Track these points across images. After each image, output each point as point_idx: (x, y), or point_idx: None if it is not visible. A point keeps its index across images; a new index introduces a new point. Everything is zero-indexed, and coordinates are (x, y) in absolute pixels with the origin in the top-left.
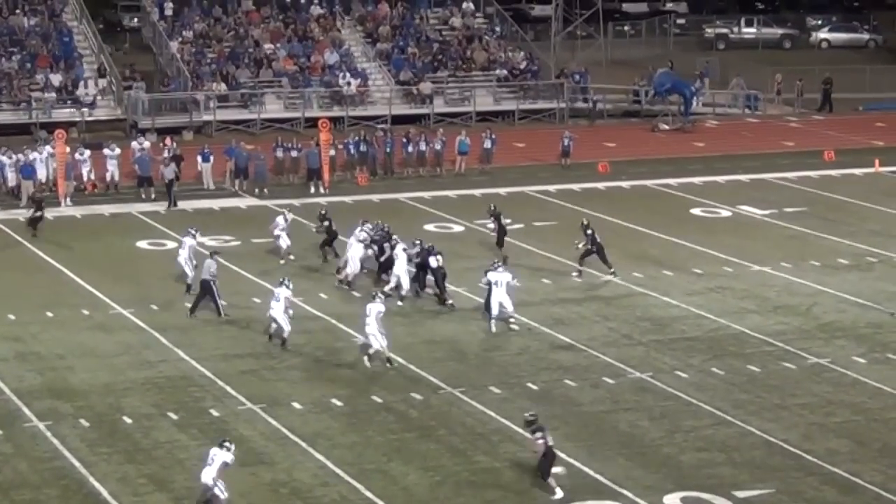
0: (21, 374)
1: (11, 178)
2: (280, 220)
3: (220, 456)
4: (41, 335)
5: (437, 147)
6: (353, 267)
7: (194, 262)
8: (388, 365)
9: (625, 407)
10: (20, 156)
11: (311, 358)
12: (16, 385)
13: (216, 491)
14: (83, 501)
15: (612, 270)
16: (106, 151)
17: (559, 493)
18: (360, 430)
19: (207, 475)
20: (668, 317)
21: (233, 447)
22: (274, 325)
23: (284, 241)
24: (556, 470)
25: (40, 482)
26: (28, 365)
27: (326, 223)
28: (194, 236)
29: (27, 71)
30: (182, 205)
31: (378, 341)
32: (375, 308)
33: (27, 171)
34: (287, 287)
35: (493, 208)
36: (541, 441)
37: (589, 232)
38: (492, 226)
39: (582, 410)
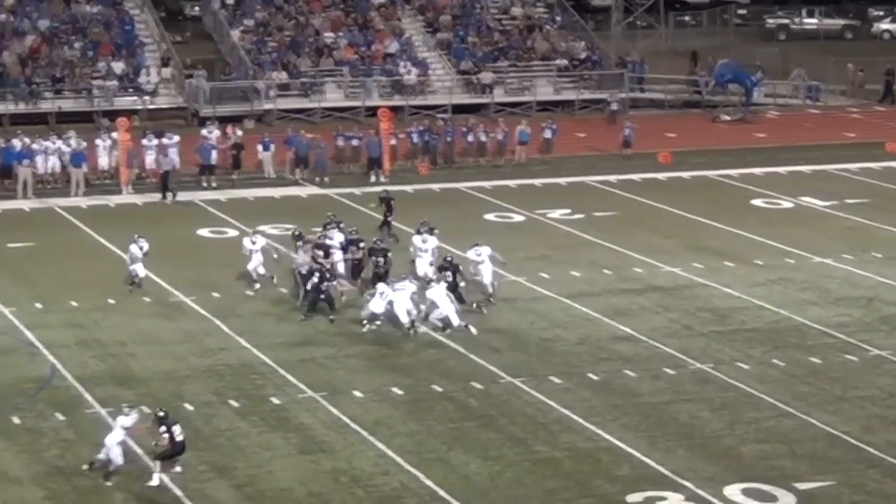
0: (83, 361)
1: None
2: (246, 242)
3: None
4: (103, 322)
5: (499, 137)
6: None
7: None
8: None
9: (685, 398)
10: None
11: (372, 346)
12: (78, 372)
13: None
14: (145, 488)
15: None
16: (164, 140)
17: (155, 481)
18: (421, 419)
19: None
20: (728, 308)
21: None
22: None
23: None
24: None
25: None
26: (90, 352)
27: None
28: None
29: (89, 59)
30: (242, 193)
31: (407, 317)
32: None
33: (78, 158)
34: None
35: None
36: (166, 435)
37: None
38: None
39: (642, 401)
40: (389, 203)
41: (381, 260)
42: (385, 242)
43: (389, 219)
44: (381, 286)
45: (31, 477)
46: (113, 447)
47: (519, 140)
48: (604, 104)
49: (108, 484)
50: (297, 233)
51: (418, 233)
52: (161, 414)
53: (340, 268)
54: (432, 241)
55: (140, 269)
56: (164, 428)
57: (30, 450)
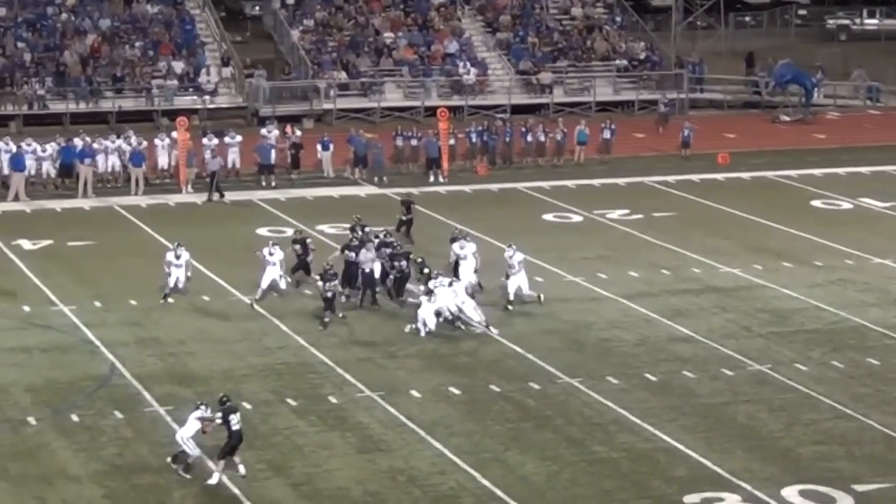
0: (142, 360)
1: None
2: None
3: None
4: (162, 321)
5: (557, 137)
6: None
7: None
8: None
9: (743, 399)
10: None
11: (430, 346)
12: (137, 370)
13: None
14: (203, 487)
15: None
16: (227, 139)
17: (214, 480)
18: (478, 419)
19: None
20: (787, 309)
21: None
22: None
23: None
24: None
25: (160, 466)
26: (149, 350)
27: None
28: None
29: (150, 58)
30: (301, 193)
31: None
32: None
33: (138, 157)
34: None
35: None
36: (218, 422)
37: None
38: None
39: (700, 402)
40: (410, 206)
41: (404, 263)
42: (403, 247)
43: (406, 219)
44: (423, 290)
45: (90, 475)
46: (185, 441)
47: (578, 140)
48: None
49: (188, 476)
50: (357, 228)
51: (454, 240)
52: (222, 400)
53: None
54: (470, 247)
55: (177, 278)
56: (219, 415)
57: (88, 448)
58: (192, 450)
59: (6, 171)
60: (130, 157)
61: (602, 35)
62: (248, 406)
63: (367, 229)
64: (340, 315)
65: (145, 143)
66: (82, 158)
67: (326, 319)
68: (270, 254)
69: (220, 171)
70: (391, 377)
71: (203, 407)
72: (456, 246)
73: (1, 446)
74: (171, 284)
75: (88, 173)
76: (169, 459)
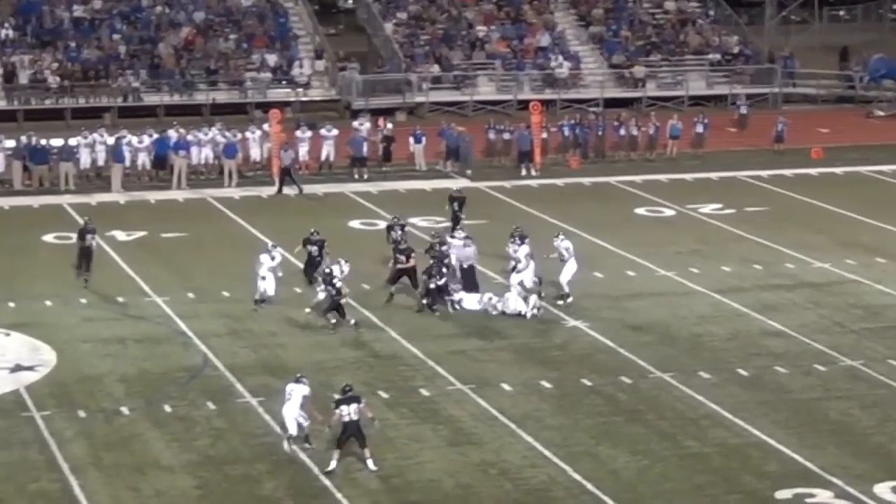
0: (234, 350)
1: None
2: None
3: (297, 390)
4: (254, 312)
5: (650, 131)
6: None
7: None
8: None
9: (836, 395)
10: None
11: (521, 340)
12: (229, 361)
13: (300, 420)
14: (294, 477)
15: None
16: (323, 132)
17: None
18: (569, 413)
19: (289, 410)
20: (880, 305)
21: (307, 380)
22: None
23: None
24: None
25: (252, 457)
26: (241, 341)
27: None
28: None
29: (243, 51)
30: (394, 185)
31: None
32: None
33: (231, 150)
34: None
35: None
36: (337, 411)
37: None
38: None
39: (792, 398)
40: (462, 202)
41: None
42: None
43: (461, 216)
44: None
45: (183, 465)
46: (289, 419)
47: (670, 134)
48: (734, 105)
49: (311, 446)
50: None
51: (512, 241)
52: (345, 388)
53: None
54: (523, 250)
55: (269, 285)
56: (334, 406)
57: (181, 438)
58: (294, 427)
59: (101, 162)
60: (224, 150)
61: (695, 29)
62: (353, 418)
63: (406, 228)
64: (352, 322)
65: (239, 136)
66: (177, 150)
67: (333, 321)
68: (272, 258)
69: (292, 164)
70: (482, 370)
71: (304, 381)
72: (510, 249)
73: (95, 436)
74: (262, 290)
75: (183, 165)
76: (287, 445)
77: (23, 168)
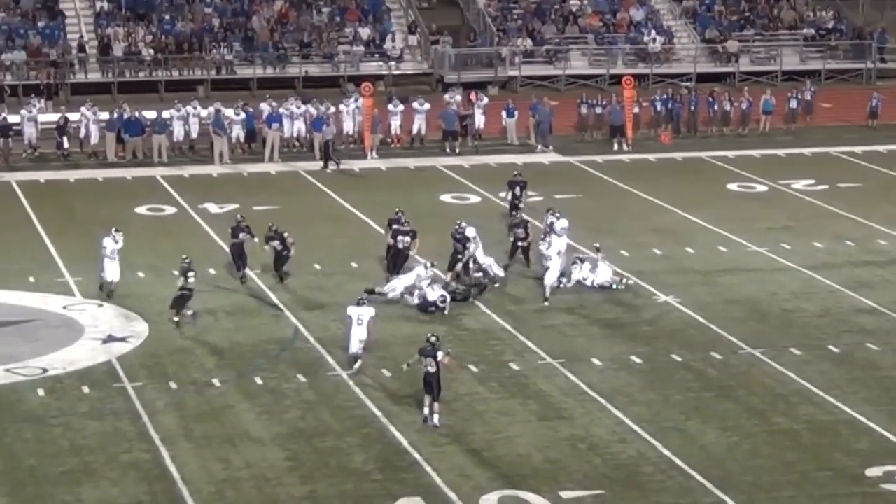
0: (325, 324)
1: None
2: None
3: (366, 313)
4: (345, 285)
5: (743, 106)
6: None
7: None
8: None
9: None
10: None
11: (612, 315)
12: (320, 334)
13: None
14: (383, 450)
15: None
16: (415, 105)
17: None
18: (659, 388)
19: (357, 333)
20: None
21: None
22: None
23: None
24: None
25: (342, 430)
26: (332, 314)
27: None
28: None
29: (336, 24)
30: (485, 159)
31: None
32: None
33: (318, 124)
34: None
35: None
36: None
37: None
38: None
39: (883, 374)
40: (523, 186)
41: (521, 231)
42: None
43: (519, 204)
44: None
45: (273, 437)
46: (356, 341)
47: (763, 110)
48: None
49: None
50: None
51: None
52: (428, 338)
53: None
54: (561, 223)
55: (113, 271)
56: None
57: (271, 410)
58: (357, 347)
59: (194, 135)
60: (313, 123)
61: (789, 4)
62: (430, 370)
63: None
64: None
65: (332, 109)
66: (270, 123)
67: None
68: (115, 241)
69: (333, 139)
70: (572, 345)
71: (365, 302)
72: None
73: (186, 407)
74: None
75: (276, 138)
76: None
77: (116, 140)
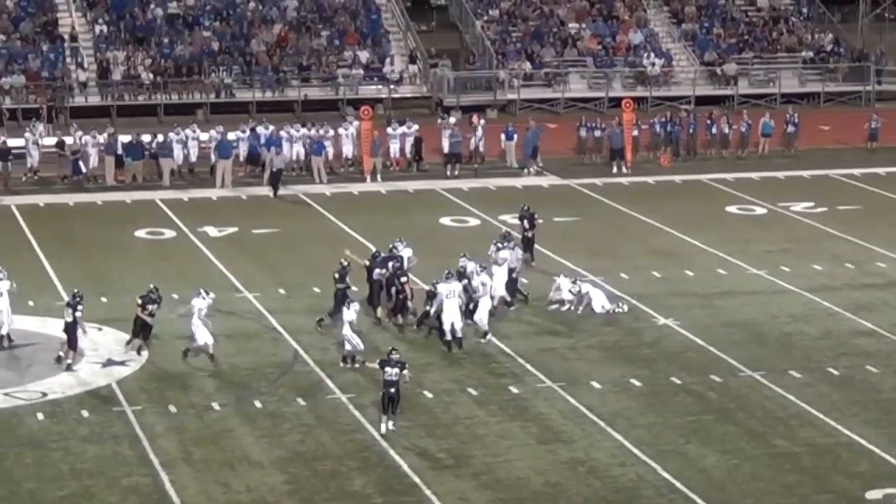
0: (325, 347)
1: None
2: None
3: (347, 314)
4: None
5: (742, 129)
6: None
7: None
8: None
9: None
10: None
11: (611, 338)
12: (319, 357)
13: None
14: (383, 474)
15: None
16: (403, 129)
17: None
18: (659, 411)
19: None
20: None
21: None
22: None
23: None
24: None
25: (342, 454)
26: (331, 338)
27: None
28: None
29: (335, 48)
30: (485, 182)
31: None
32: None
33: (319, 147)
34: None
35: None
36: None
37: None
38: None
39: (883, 397)
40: (532, 220)
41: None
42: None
43: (529, 235)
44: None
45: (272, 461)
46: (351, 336)
47: (762, 132)
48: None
49: (357, 366)
50: (506, 233)
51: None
52: (390, 352)
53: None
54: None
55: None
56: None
57: (271, 434)
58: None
59: (193, 158)
60: (313, 146)
61: (788, 26)
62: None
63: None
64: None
65: (331, 132)
66: (268, 146)
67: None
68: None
69: (286, 167)
70: (572, 368)
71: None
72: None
73: (186, 431)
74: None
75: (278, 160)
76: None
77: (115, 164)
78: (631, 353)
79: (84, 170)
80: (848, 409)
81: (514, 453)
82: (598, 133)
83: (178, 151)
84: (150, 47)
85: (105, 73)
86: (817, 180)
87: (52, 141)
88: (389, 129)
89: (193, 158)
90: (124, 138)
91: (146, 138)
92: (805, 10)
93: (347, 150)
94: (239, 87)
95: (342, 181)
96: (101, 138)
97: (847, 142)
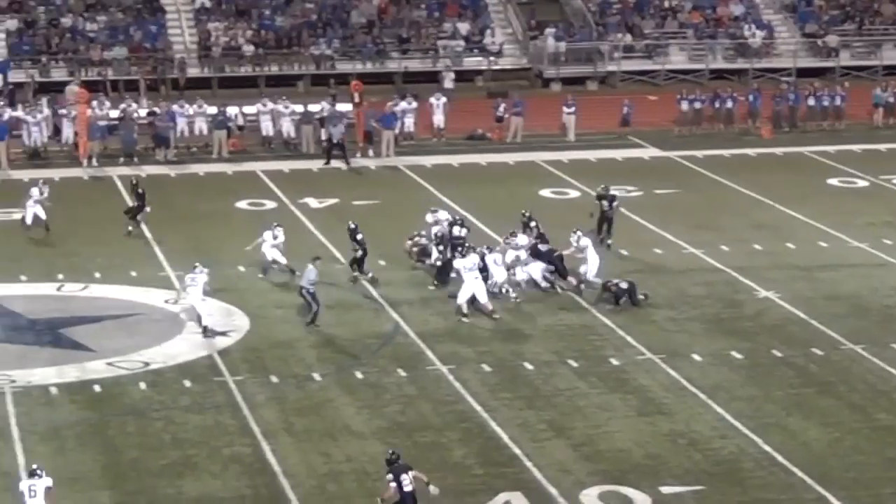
0: (425, 318)
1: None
2: (35, 191)
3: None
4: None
5: (837, 102)
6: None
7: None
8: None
9: None
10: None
11: (712, 311)
12: (420, 328)
13: None
14: (484, 445)
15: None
16: (404, 104)
17: None
18: (760, 384)
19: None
20: None
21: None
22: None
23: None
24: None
25: (442, 425)
26: (431, 309)
27: None
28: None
29: (435, 19)
30: (584, 154)
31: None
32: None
33: (388, 120)
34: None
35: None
36: (392, 484)
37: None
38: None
39: None
40: (612, 200)
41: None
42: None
43: (610, 216)
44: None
45: (373, 431)
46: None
47: (874, 102)
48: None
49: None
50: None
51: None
52: (390, 457)
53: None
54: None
55: (273, 254)
56: (390, 476)
57: (372, 405)
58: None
59: (284, 131)
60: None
61: None
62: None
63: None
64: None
65: (413, 104)
66: (387, 123)
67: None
68: (275, 237)
69: (342, 138)
70: (672, 340)
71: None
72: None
73: (287, 401)
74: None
75: (390, 135)
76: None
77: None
78: (732, 326)
79: (171, 142)
80: None
81: (614, 425)
82: (698, 105)
83: (266, 124)
84: (251, 19)
85: (206, 46)
86: None
87: (144, 112)
88: (434, 100)
89: (284, 132)
90: (211, 110)
91: (232, 110)
92: None
93: (438, 119)
94: (339, 58)
95: (444, 152)
96: (211, 110)
97: None
